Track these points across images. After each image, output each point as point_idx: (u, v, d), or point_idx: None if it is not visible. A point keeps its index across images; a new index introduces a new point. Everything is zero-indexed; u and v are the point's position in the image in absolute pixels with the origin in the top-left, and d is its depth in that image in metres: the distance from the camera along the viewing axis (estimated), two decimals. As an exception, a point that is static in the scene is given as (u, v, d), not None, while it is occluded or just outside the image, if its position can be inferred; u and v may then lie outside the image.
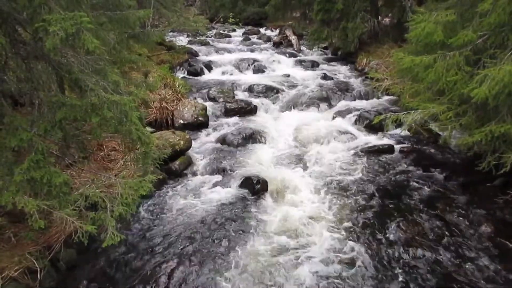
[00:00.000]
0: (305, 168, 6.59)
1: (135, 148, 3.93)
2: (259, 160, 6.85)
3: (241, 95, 10.34)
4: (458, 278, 4.08)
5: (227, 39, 19.83)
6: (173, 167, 6.30)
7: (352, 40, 12.72)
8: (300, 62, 13.70)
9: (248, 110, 9.13)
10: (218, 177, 6.28)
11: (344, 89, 10.54)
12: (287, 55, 14.92)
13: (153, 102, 7.96)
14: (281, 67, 13.30)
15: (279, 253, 4.51)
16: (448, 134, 5.44)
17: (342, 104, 9.73)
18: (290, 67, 13.36)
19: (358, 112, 8.72)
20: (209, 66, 12.81)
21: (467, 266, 4.24)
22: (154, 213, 5.26)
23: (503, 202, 5.17)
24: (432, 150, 7.02)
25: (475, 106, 4.95)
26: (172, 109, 8.23)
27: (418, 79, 5.84)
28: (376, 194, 5.70)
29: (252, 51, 15.72)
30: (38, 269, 3.72)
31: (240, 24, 23.04)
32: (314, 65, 13.45)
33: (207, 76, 12.24)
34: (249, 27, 24.19)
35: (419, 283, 4.03)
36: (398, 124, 6.22)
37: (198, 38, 17.97)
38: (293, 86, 11.06)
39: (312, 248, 4.58)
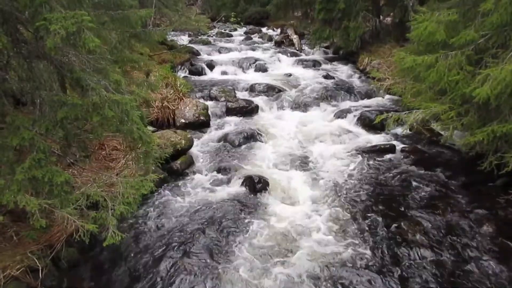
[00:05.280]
0: (306, 167, 6.59)
1: (137, 147, 3.93)
2: (260, 160, 6.85)
3: (242, 94, 10.34)
4: (459, 278, 4.07)
5: (229, 38, 19.83)
6: (175, 166, 6.31)
7: (353, 39, 12.70)
8: (302, 62, 13.69)
9: (249, 110, 9.13)
10: (219, 176, 6.28)
11: (345, 89, 10.53)
12: (288, 54, 14.91)
13: (155, 102, 7.97)
14: (282, 66, 13.32)
15: (280, 252, 4.51)
16: (449, 133, 5.44)
17: (343, 104, 9.73)
18: (292, 66, 13.37)
19: (359, 112, 8.71)
20: (210, 65, 12.82)
21: (468, 266, 4.23)
22: (156, 212, 5.26)
23: (504, 202, 5.16)
24: (434, 150, 7.00)
25: (477, 106, 4.95)
26: (173, 108, 8.24)
27: (419, 78, 5.85)
28: (377, 194, 5.70)
29: (253, 50, 15.72)
30: (40, 268, 3.73)
31: (242, 23, 22.99)
32: (315, 64, 13.44)
33: (208, 76, 12.25)
34: (251, 27, 24.17)
35: (420, 283, 4.03)
36: (400, 123, 6.21)
37: (199, 37, 17.99)
38: (294, 85, 11.06)
39: (312, 248, 4.58)
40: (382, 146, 7.16)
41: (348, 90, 10.47)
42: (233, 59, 13.68)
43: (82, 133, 3.97)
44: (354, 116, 8.61)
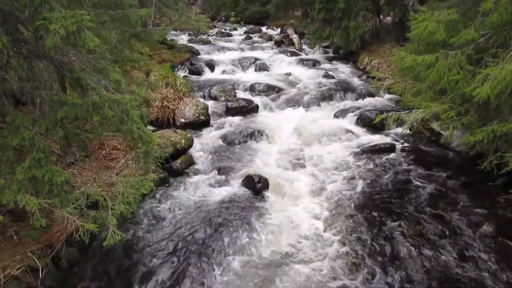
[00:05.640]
0: (306, 166, 6.59)
1: (137, 147, 3.93)
2: (260, 159, 6.85)
3: (242, 94, 10.34)
4: (459, 277, 4.07)
5: (229, 38, 19.83)
6: (175, 166, 6.30)
7: (353, 39, 12.71)
8: (302, 61, 13.69)
9: (249, 109, 9.13)
10: (219, 176, 6.28)
11: (345, 88, 10.53)
12: (288, 54, 14.91)
13: (155, 101, 7.97)
14: (282, 66, 13.31)
15: (280, 252, 4.51)
16: (449, 133, 5.44)
17: (343, 103, 9.72)
18: (292, 66, 13.36)
19: (359, 111, 8.72)
20: (210, 65, 12.82)
21: (468, 266, 4.23)
22: (155, 212, 5.26)
23: (504, 202, 5.16)
24: (434, 150, 7.00)
25: (477, 106, 4.95)
26: (173, 108, 8.24)
27: (419, 78, 5.85)
28: (377, 193, 5.70)
29: (253, 50, 15.73)
30: (40, 268, 3.73)
31: (242, 23, 22.99)
32: (315, 64, 13.44)
33: (208, 75, 12.25)
34: (251, 26, 24.19)
35: (420, 282, 4.03)
36: (400, 123, 6.22)
37: (199, 37, 17.98)
38: (294, 85, 11.06)
39: (312, 247, 4.59)
40: (382, 146, 7.16)
41: (348, 89, 10.46)
42: (233, 58, 13.68)
43: (82, 133, 3.97)
44: (354, 115, 8.61)
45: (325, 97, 9.98)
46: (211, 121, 8.55)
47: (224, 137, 7.64)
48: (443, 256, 4.37)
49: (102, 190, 3.77)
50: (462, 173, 6.01)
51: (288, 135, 7.82)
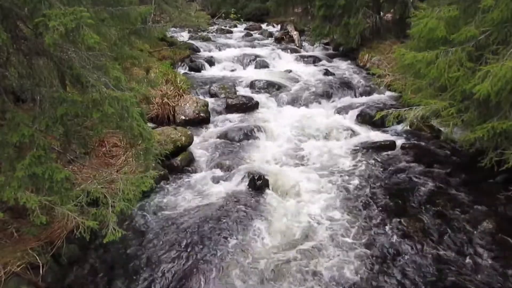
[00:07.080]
0: (306, 163, 6.59)
1: (137, 144, 3.92)
2: (260, 156, 6.85)
3: (242, 91, 10.33)
4: (459, 274, 4.08)
5: (229, 34, 19.79)
6: (175, 163, 6.31)
7: (354, 36, 12.69)
8: (302, 58, 13.68)
9: (249, 106, 9.12)
10: (219, 173, 6.28)
11: (345, 85, 10.52)
12: (288, 51, 14.88)
13: (155, 98, 7.97)
14: (282, 63, 13.29)
15: (280, 250, 4.52)
16: (450, 130, 5.43)
17: (343, 100, 9.73)
18: (292, 63, 13.35)
19: (359, 108, 8.73)
20: (210, 62, 12.80)
21: (468, 263, 4.24)
22: (156, 209, 5.26)
23: (505, 199, 5.17)
24: (434, 147, 7.00)
25: (477, 102, 4.95)
26: (173, 105, 8.23)
27: (420, 75, 5.84)
28: (377, 190, 5.71)
29: (253, 47, 15.69)
30: (40, 264, 3.73)
31: (242, 20, 22.99)
32: (315, 61, 13.42)
33: (208, 72, 12.23)
34: (251, 23, 24.14)
35: (420, 279, 4.04)
36: (400, 120, 6.21)
37: (199, 34, 17.93)
38: (294, 82, 11.05)
39: (312, 244, 4.59)
40: (382, 143, 7.17)
41: (348, 86, 10.46)
42: (233, 55, 13.66)
43: (82, 130, 3.97)
44: (354, 112, 8.63)
45: (325, 94, 9.99)
46: (211, 118, 8.54)
47: (224, 134, 7.64)
48: (443, 253, 4.38)
49: (102, 187, 3.77)
50: (462, 170, 6.01)
51: (288, 132, 7.82)
